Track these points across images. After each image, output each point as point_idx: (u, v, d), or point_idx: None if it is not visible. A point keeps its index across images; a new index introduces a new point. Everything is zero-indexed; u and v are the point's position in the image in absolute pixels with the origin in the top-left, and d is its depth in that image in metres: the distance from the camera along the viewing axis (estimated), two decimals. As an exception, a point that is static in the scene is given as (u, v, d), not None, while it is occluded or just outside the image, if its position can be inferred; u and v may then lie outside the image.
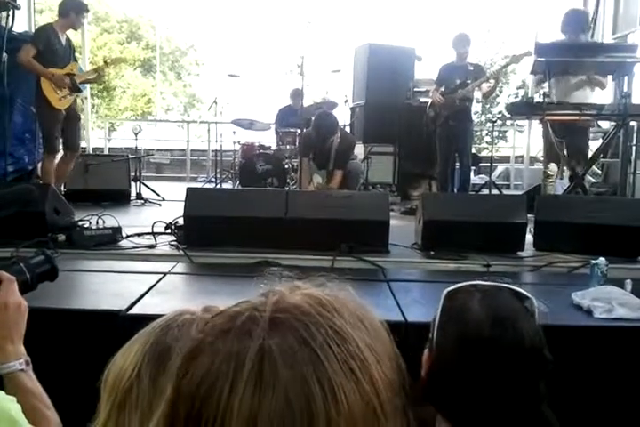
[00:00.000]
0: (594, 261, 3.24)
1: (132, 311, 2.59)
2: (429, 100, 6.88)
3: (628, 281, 3.07)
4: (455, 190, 6.77)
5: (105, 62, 6.07)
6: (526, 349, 1.21)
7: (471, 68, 6.55)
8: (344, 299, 0.67)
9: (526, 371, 1.21)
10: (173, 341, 0.97)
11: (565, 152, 5.50)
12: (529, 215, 4.21)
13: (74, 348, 2.44)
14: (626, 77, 5.01)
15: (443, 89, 6.63)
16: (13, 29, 6.97)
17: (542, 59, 5.09)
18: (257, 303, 0.65)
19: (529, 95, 6.94)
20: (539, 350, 1.23)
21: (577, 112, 5.10)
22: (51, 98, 5.46)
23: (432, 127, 6.77)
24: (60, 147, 5.89)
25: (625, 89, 4.99)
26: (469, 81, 6.40)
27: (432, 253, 3.99)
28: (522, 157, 11.09)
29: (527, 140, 10.96)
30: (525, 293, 1.32)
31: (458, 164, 6.74)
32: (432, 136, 6.84)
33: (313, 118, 6.33)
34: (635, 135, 6.06)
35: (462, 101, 6.48)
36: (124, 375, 0.96)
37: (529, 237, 4.22)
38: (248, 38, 40.85)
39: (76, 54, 6.23)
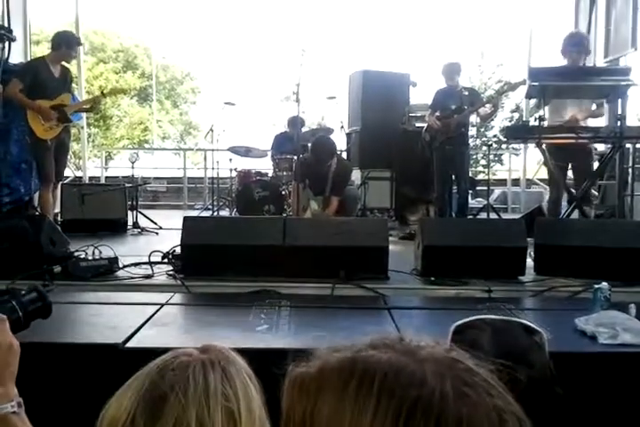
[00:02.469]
0: (596, 286, 3.21)
1: (130, 345, 2.54)
2: (425, 125, 6.89)
3: (632, 305, 3.03)
4: (453, 214, 6.75)
5: (102, 93, 6.11)
6: (539, 385, 1.18)
7: (466, 93, 6.58)
8: None
9: (539, 407, 1.17)
10: (169, 387, 0.93)
11: (572, 175, 5.50)
12: (528, 239, 4.19)
13: (69, 383, 2.39)
14: (620, 100, 5.03)
15: (438, 114, 6.65)
16: (9, 61, 7.03)
17: (536, 83, 5.10)
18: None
19: (524, 119, 6.96)
20: (551, 386, 1.20)
21: (572, 135, 5.10)
22: (35, 128, 5.57)
23: (428, 151, 6.77)
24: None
25: (619, 112, 5.00)
26: (465, 106, 6.42)
27: (432, 278, 3.96)
28: (518, 179, 11.11)
29: (523, 162, 11.00)
30: (535, 327, 1.29)
31: (455, 188, 6.73)
32: (428, 160, 6.84)
33: (310, 143, 6.32)
34: (630, 157, 6.07)
35: (458, 127, 6.49)
36: (118, 422, 0.92)
37: (529, 262, 4.19)
38: (244, 67, 41.31)
39: (73, 85, 6.27)
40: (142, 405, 0.92)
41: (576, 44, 5.59)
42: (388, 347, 0.70)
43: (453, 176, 6.65)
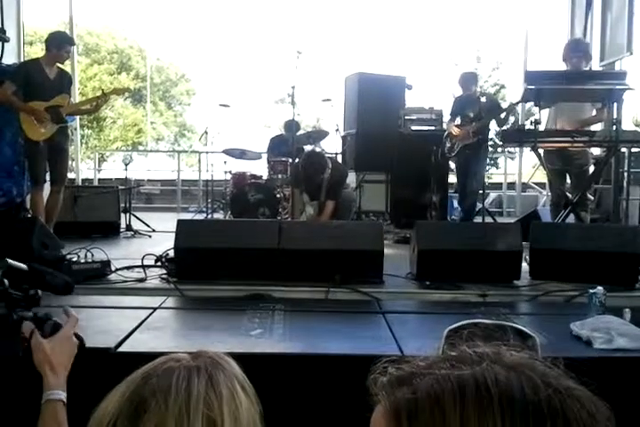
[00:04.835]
0: (591, 290, 3.20)
1: (122, 349, 2.51)
2: (445, 132, 7.01)
3: (627, 310, 3.03)
4: (448, 218, 6.79)
5: (102, 92, 6.05)
6: None
7: (484, 100, 6.66)
8: None
9: None
10: (150, 393, 0.91)
11: (569, 180, 5.52)
12: (524, 243, 4.18)
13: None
14: (615, 104, 5.03)
15: (458, 122, 6.79)
16: (2, 61, 7.00)
17: (532, 86, 5.10)
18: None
19: (519, 123, 6.99)
20: None
21: (568, 139, 5.10)
22: (27, 130, 5.54)
23: (447, 157, 6.96)
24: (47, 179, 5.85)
25: (615, 116, 5.00)
26: (483, 114, 6.49)
27: (427, 283, 3.94)
28: (514, 183, 11.13)
29: (519, 166, 11.02)
30: (528, 331, 1.27)
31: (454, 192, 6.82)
32: (443, 165, 7.10)
33: (300, 158, 6.29)
34: (626, 161, 6.08)
35: (476, 133, 6.55)
36: (101, 426, 0.90)
37: (524, 266, 4.18)
38: (239, 68, 41.43)
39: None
40: (124, 411, 0.91)
41: (578, 50, 5.61)
42: (478, 360, 0.70)
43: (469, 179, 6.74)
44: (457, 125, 6.74)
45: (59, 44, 5.73)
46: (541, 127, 5.23)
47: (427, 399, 0.66)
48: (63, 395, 1.40)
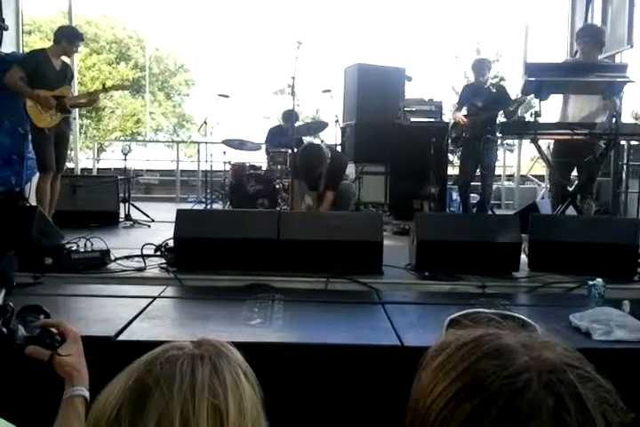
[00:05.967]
0: (591, 282, 3.21)
1: (121, 337, 2.52)
2: (452, 121, 6.93)
3: (626, 302, 3.04)
4: (448, 210, 6.77)
5: (103, 86, 6.07)
6: None
7: (494, 91, 6.58)
8: None
9: None
10: (154, 381, 0.90)
11: (575, 172, 5.50)
12: (523, 235, 4.18)
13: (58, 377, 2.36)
14: (616, 97, 5.01)
15: (465, 111, 6.75)
16: (1, 50, 6.98)
17: (532, 79, 5.08)
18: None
19: (519, 115, 6.97)
20: None
21: (568, 131, 5.08)
22: (33, 117, 5.54)
23: (452, 147, 6.99)
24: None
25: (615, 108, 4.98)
26: (492, 104, 6.46)
27: (426, 274, 3.95)
28: (512, 175, 11.12)
29: (517, 159, 11.01)
30: (530, 321, 1.27)
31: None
32: (442, 157, 7.14)
33: (299, 150, 6.24)
34: (625, 154, 6.08)
35: (484, 124, 6.51)
36: (103, 416, 0.90)
37: (523, 258, 4.18)
38: (238, 59, 41.32)
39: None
40: (127, 399, 0.90)
41: (585, 35, 5.52)
42: (514, 338, 0.74)
43: (478, 171, 6.70)
44: (464, 115, 6.71)
45: (70, 38, 5.77)
46: (554, 118, 5.20)
47: (445, 344, 0.75)
48: (86, 392, 1.43)
